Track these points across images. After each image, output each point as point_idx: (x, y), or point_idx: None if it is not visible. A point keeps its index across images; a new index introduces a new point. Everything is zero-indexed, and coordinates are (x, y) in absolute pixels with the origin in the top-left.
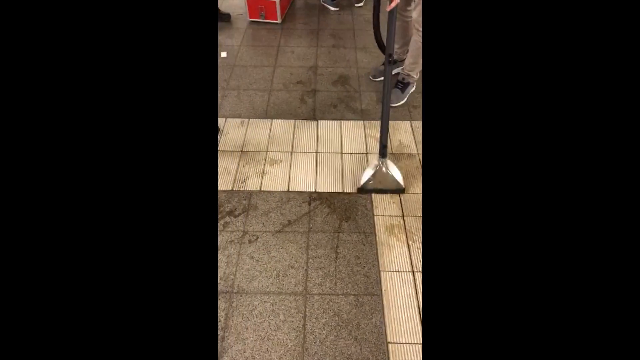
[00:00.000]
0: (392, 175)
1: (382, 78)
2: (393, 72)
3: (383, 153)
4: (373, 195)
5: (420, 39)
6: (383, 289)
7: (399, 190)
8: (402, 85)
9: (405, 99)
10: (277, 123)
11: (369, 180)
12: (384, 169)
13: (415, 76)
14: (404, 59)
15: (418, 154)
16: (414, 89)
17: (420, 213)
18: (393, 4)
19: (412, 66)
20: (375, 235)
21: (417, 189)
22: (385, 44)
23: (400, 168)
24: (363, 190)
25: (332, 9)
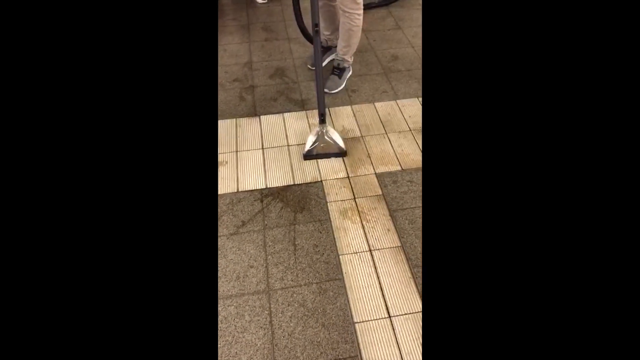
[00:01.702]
0: (333, 139)
1: None
2: (328, 59)
3: (322, 120)
4: (324, 182)
5: (347, 20)
6: (344, 272)
7: (342, 154)
8: (339, 70)
9: (343, 84)
10: (218, 124)
11: (312, 146)
12: (325, 134)
13: (350, 59)
14: (336, 45)
15: (362, 137)
16: (350, 73)
17: (370, 193)
18: None
19: (346, 49)
20: (330, 221)
21: (365, 170)
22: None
23: (348, 152)
24: (308, 156)
25: (260, 1)
